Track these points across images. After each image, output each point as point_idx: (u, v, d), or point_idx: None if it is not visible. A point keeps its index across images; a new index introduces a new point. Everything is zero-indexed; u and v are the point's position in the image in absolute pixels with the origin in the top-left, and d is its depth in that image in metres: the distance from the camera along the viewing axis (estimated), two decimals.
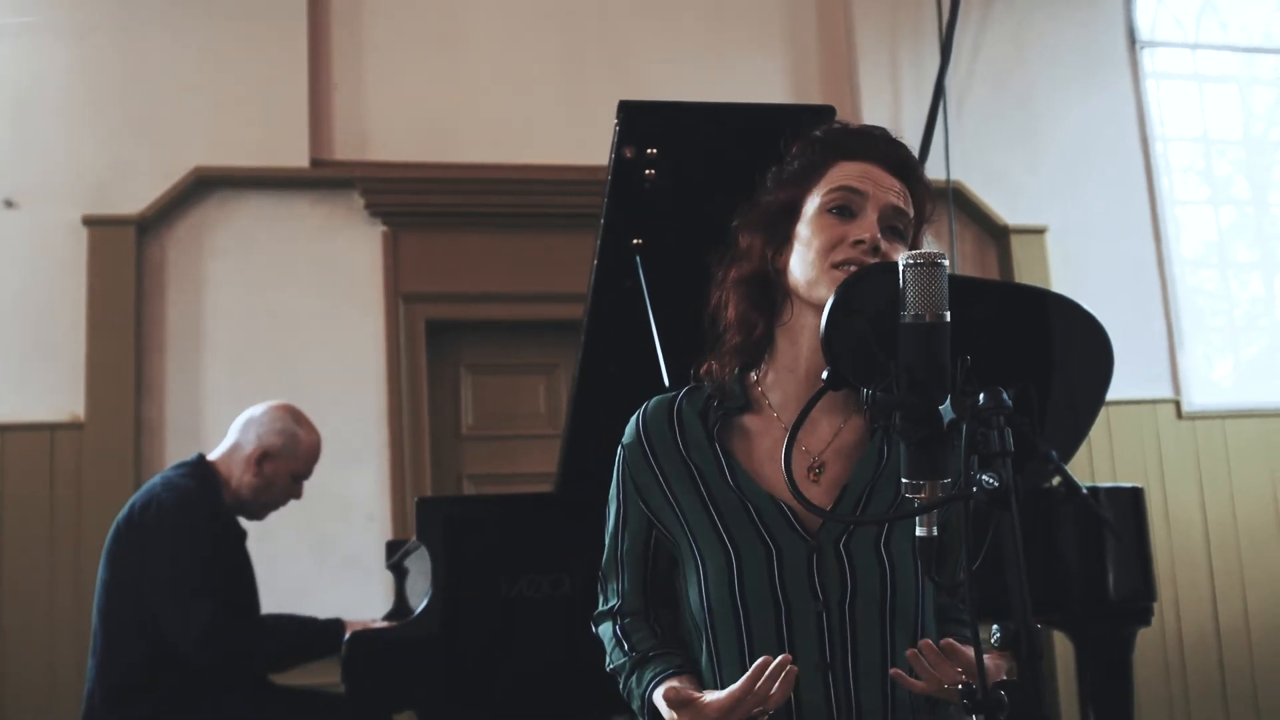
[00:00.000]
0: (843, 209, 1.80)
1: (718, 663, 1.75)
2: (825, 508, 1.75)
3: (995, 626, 1.27)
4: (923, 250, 1.38)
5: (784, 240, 1.85)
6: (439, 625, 2.97)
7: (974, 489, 1.25)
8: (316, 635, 3.66)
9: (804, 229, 1.82)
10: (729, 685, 1.67)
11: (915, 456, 1.38)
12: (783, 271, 1.84)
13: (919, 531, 1.43)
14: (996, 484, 1.24)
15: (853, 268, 1.73)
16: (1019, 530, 1.24)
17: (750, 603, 1.73)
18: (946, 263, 1.38)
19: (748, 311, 1.87)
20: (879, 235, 1.77)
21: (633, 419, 1.93)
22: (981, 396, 1.30)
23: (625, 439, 1.92)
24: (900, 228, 1.82)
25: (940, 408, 1.35)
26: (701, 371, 1.92)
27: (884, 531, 1.75)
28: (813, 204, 1.83)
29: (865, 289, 1.54)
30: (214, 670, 3.45)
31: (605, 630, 1.91)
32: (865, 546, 1.74)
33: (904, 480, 1.41)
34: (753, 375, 1.89)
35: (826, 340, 1.52)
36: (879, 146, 1.88)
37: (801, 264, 1.80)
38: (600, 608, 1.96)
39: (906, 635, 1.73)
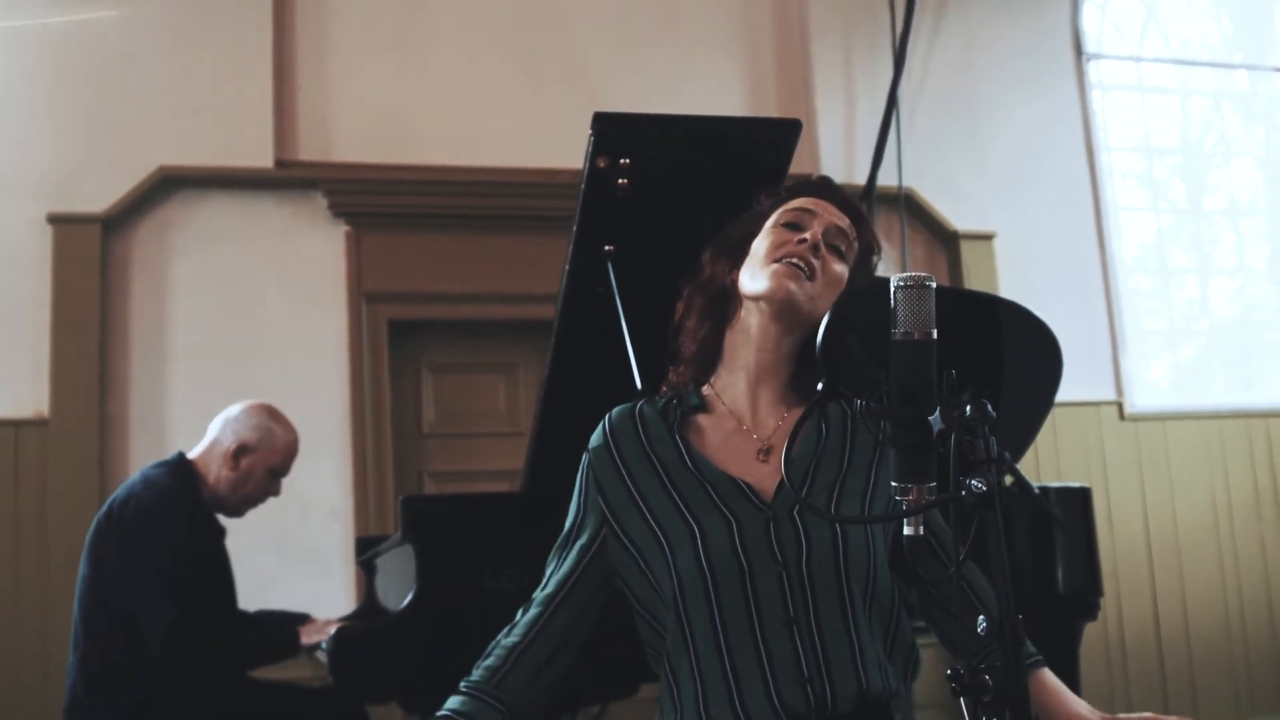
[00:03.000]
0: (792, 224, 2.01)
1: (689, 629, 1.85)
2: (774, 483, 1.91)
3: (981, 617, 1.39)
4: (913, 274, 1.50)
5: (740, 257, 2.04)
6: (424, 620, 3.06)
7: (963, 492, 1.37)
8: (275, 639, 3.73)
9: (757, 242, 2.02)
10: (701, 647, 1.83)
11: (905, 462, 1.50)
12: (735, 283, 2.03)
13: (906, 530, 1.55)
14: (984, 488, 1.36)
15: (794, 260, 1.93)
16: (1002, 530, 1.36)
17: (716, 567, 1.84)
18: (935, 284, 1.50)
19: (699, 320, 2.07)
20: (821, 239, 1.97)
21: (599, 426, 2.05)
22: (968, 408, 1.42)
23: (592, 444, 2.03)
24: (842, 249, 2.01)
25: (930, 418, 1.47)
26: (669, 379, 2.11)
27: (834, 498, 1.91)
28: (768, 225, 2.04)
29: (857, 308, 1.66)
30: (179, 669, 3.50)
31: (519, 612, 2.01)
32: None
33: (894, 484, 1.53)
34: (706, 387, 2.06)
35: (823, 353, 1.65)
36: (834, 190, 2.10)
37: (750, 268, 1.99)
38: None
39: (861, 588, 1.85)
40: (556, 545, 2.03)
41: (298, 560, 5.41)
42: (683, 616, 1.86)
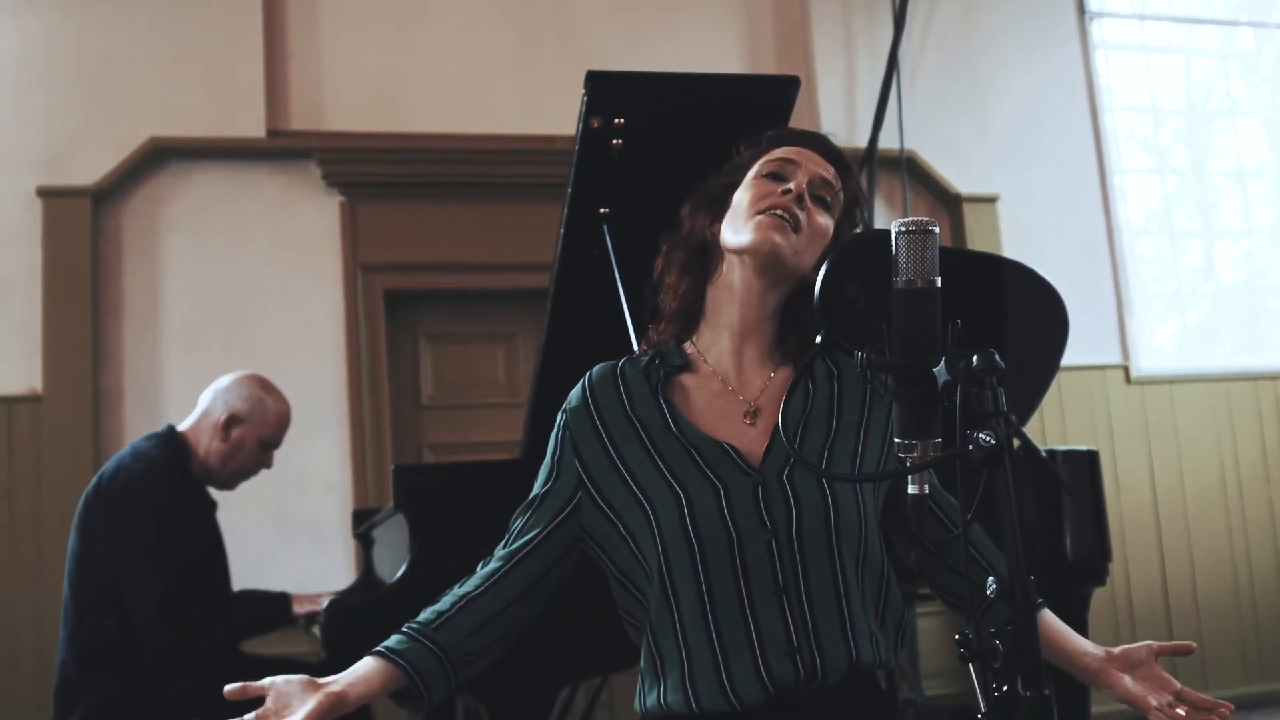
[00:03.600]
0: (775, 175, 1.93)
1: (675, 598, 1.79)
2: (762, 446, 1.85)
3: (991, 579, 1.32)
4: (915, 219, 1.43)
5: (721, 210, 1.97)
6: (417, 591, 3.00)
7: (970, 447, 1.30)
8: (264, 610, 3.68)
9: (739, 194, 1.95)
10: (687, 618, 1.77)
11: (908, 417, 1.43)
12: (717, 235, 1.96)
13: (911, 489, 1.49)
14: (993, 442, 1.29)
15: (778, 212, 1.86)
16: (1014, 486, 1.29)
17: (704, 536, 1.77)
18: (938, 230, 1.43)
19: (679, 276, 2.00)
20: (805, 190, 1.90)
21: (578, 386, 1.98)
22: (975, 358, 1.35)
23: (570, 403, 1.97)
24: (827, 200, 1.94)
25: (934, 370, 1.39)
26: (644, 345, 2.05)
27: (824, 461, 1.84)
28: (750, 176, 1.96)
29: (857, 256, 1.58)
30: (168, 645, 3.44)
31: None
32: (807, 476, 1.81)
33: (897, 440, 1.46)
34: (689, 344, 1.99)
35: (821, 304, 1.58)
36: (818, 140, 2.03)
37: (732, 221, 1.92)
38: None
39: (853, 554, 1.80)
40: (524, 504, 1.95)
41: (296, 535, 5.36)
42: (668, 586, 1.80)
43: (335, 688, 1.70)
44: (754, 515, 1.79)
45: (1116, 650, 1.83)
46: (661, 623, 1.81)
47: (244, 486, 3.97)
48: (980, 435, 1.30)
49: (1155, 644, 1.84)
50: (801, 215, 1.88)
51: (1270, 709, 6.16)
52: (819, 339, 1.58)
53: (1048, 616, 1.90)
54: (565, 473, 1.92)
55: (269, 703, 1.67)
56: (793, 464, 1.82)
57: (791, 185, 1.89)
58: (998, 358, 1.33)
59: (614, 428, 1.91)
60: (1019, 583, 1.28)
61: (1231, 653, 6.42)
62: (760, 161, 1.97)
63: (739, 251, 1.90)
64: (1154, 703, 1.74)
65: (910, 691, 5.78)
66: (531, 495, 1.95)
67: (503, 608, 1.87)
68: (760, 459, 1.84)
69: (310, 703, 1.66)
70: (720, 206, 1.97)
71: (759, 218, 1.87)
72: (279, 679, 1.69)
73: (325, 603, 3.23)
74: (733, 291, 1.93)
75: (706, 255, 1.99)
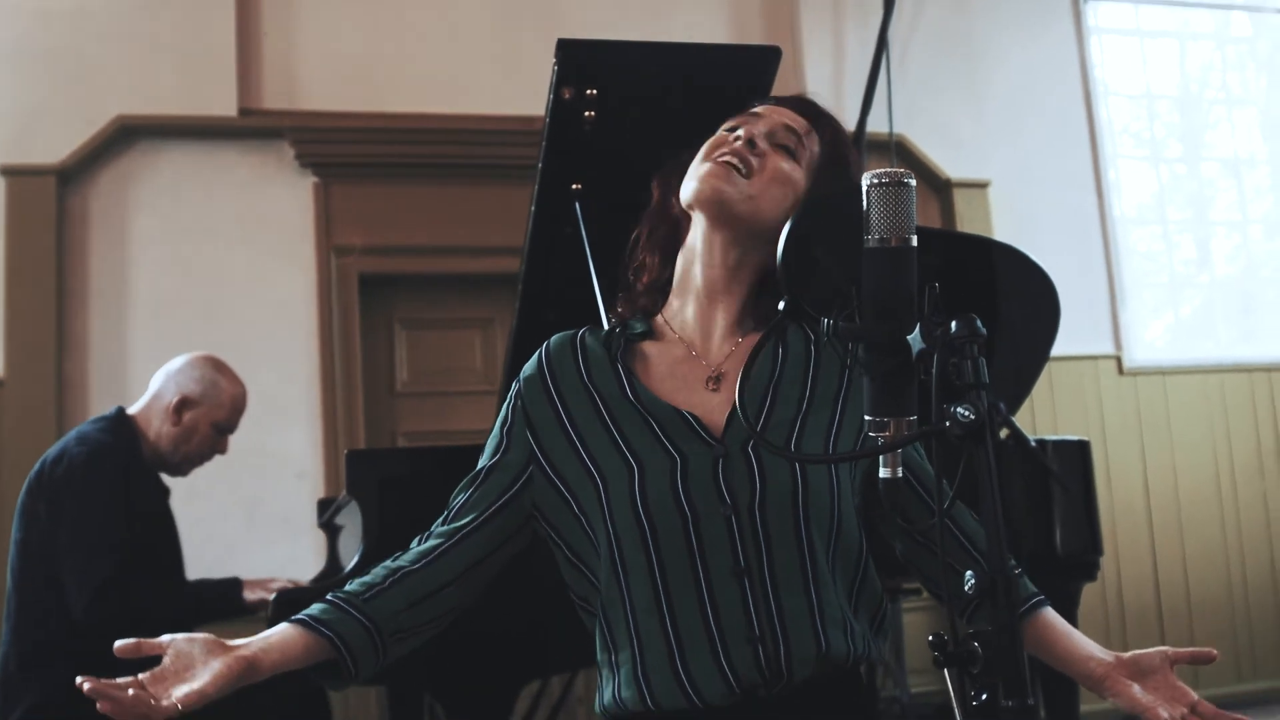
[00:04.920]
0: (731, 128, 1.82)
1: (625, 582, 1.65)
2: (725, 415, 1.72)
3: (969, 573, 1.18)
4: (888, 169, 1.29)
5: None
6: None
7: (946, 422, 1.15)
8: (214, 597, 3.52)
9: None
10: (639, 603, 1.63)
11: (880, 391, 1.28)
12: (678, 200, 1.84)
13: (883, 473, 1.34)
14: (972, 416, 1.14)
15: (726, 157, 1.75)
16: (995, 466, 1.15)
17: (654, 512, 1.64)
18: (914, 182, 1.29)
19: (649, 249, 1.90)
20: (760, 136, 1.79)
21: (535, 355, 1.86)
22: (954, 324, 1.20)
23: (524, 373, 1.85)
24: (791, 146, 1.81)
25: (909, 337, 1.25)
26: (615, 313, 1.93)
27: (794, 436, 1.70)
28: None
29: (824, 212, 1.44)
30: (105, 633, 3.29)
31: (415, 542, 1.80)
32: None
33: (867, 418, 1.32)
34: (657, 316, 1.88)
35: (784, 267, 1.44)
36: (796, 99, 1.92)
37: (685, 179, 1.81)
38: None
39: (823, 535, 1.66)
40: (468, 478, 1.81)
41: (265, 524, 5.23)
42: (618, 566, 1.65)
43: (245, 651, 1.53)
44: (713, 489, 1.65)
45: (1127, 655, 1.68)
46: (612, 608, 1.68)
47: (212, 474, 3.84)
48: (959, 410, 1.15)
49: (1171, 650, 1.66)
50: (755, 160, 1.75)
51: (1263, 707, 6.06)
52: (781, 305, 1.43)
53: (1049, 615, 1.75)
54: (516, 445, 1.79)
55: (166, 661, 1.49)
56: (759, 433, 1.68)
57: (741, 131, 1.78)
58: (979, 323, 1.18)
59: (569, 397, 1.78)
60: (1001, 576, 1.13)
61: (1224, 649, 6.30)
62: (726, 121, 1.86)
63: (689, 205, 1.78)
64: (1166, 715, 1.55)
65: (895, 689, 5.66)
66: (477, 469, 1.80)
67: (439, 587, 1.72)
68: (723, 428, 1.71)
69: (215, 665, 1.49)
70: (683, 174, 1.85)
71: (705, 165, 1.76)
72: (180, 636, 1.52)
73: (275, 588, 3.10)
74: (695, 253, 1.81)
75: (675, 227, 1.88)
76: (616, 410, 1.75)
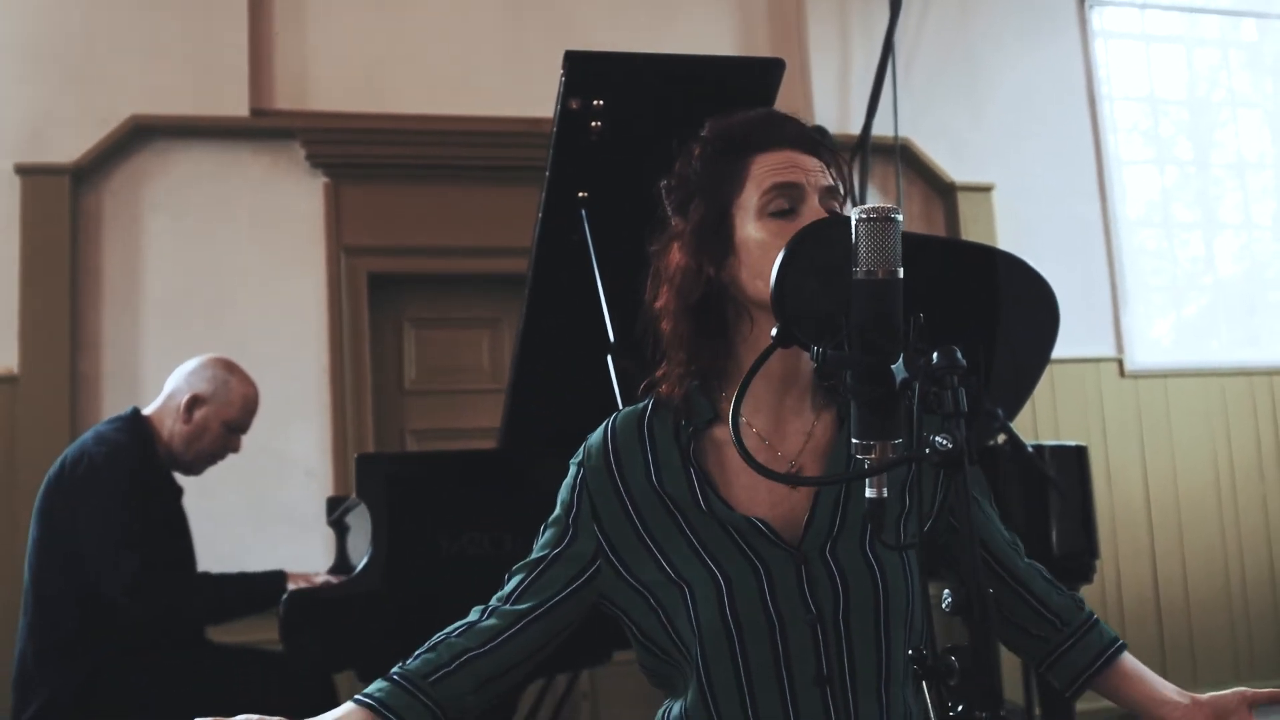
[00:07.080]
0: (783, 212, 1.69)
1: (709, 687, 1.65)
2: (806, 513, 1.69)
3: (946, 591, 1.24)
4: (876, 205, 1.34)
5: (724, 255, 1.73)
6: (378, 583, 2.93)
7: (926, 450, 1.21)
8: (257, 587, 3.56)
9: (750, 237, 1.71)
10: (724, 708, 1.63)
11: (866, 417, 1.34)
12: (730, 285, 1.73)
13: (869, 493, 1.38)
14: (950, 445, 1.20)
15: None
16: (969, 494, 1.21)
17: (744, 621, 1.63)
18: (901, 218, 1.34)
19: (698, 339, 1.76)
20: (817, 211, 1.69)
21: (598, 435, 1.80)
22: (935, 355, 1.26)
23: (590, 458, 1.78)
24: (837, 207, 1.73)
25: (893, 366, 1.31)
26: (660, 392, 1.80)
27: (868, 532, 1.68)
28: (748, 209, 1.72)
29: (816, 244, 1.49)
30: (147, 623, 3.37)
31: (474, 613, 1.78)
32: (851, 550, 1.67)
33: (854, 441, 1.37)
34: (718, 388, 1.78)
35: (776, 297, 1.47)
36: (788, 131, 1.77)
37: (756, 271, 1.68)
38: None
39: (900, 630, 1.67)
40: (529, 561, 1.78)
41: (275, 522, 5.27)
42: (702, 673, 1.65)
43: None
44: (797, 598, 1.65)
45: (1204, 697, 1.71)
46: (696, 709, 1.68)
47: (222, 473, 3.89)
48: (937, 439, 1.21)
49: (1249, 691, 1.72)
50: None
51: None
52: (774, 333, 1.48)
53: (1128, 660, 1.79)
54: (583, 536, 1.75)
55: None
56: (836, 537, 1.68)
57: (802, 211, 1.69)
58: (960, 355, 1.24)
59: (640, 499, 1.74)
60: (977, 595, 1.19)
61: (1223, 651, 6.35)
62: (753, 192, 1.72)
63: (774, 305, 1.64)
64: None
65: None
66: (540, 554, 1.78)
67: (505, 670, 1.72)
68: (801, 532, 1.69)
69: None
70: (718, 250, 1.73)
71: None
72: (252, 717, 1.53)
73: (319, 582, 3.16)
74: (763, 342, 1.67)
75: (718, 306, 1.75)
76: (694, 519, 1.71)
